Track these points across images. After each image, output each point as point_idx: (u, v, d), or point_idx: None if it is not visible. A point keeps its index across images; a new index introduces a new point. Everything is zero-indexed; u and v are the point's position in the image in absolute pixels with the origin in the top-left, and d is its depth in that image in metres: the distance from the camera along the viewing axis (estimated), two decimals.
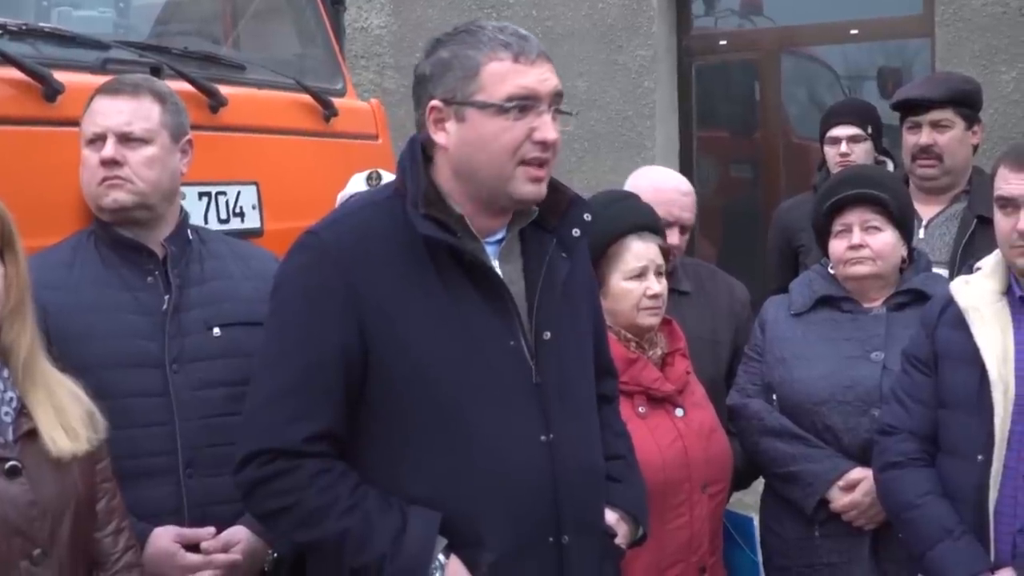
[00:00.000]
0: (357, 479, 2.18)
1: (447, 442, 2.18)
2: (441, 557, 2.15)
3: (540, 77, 2.18)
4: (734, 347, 3.49)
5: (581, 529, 2.28)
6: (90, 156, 2.70)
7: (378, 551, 2.12)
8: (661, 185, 3.50)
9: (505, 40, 2.18)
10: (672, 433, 2.96)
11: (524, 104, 2.17)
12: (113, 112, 2.70)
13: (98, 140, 2.69)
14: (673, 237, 3.36)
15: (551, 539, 2.24)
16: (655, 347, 3.03)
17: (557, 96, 2.21)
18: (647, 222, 3.04)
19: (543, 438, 2.23)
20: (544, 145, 2.19)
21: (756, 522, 3.31)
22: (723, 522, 3.15)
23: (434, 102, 2.19)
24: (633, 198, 3.14)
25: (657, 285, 2.97)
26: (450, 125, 2.19)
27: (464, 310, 2.20)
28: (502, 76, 2.16)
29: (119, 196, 2.67)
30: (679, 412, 3.00)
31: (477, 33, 2.19)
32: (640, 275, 2.96)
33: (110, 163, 2.67)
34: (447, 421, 2.18)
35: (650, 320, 2.99)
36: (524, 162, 2.19)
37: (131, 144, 2.69)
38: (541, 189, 2.23)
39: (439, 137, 2.20)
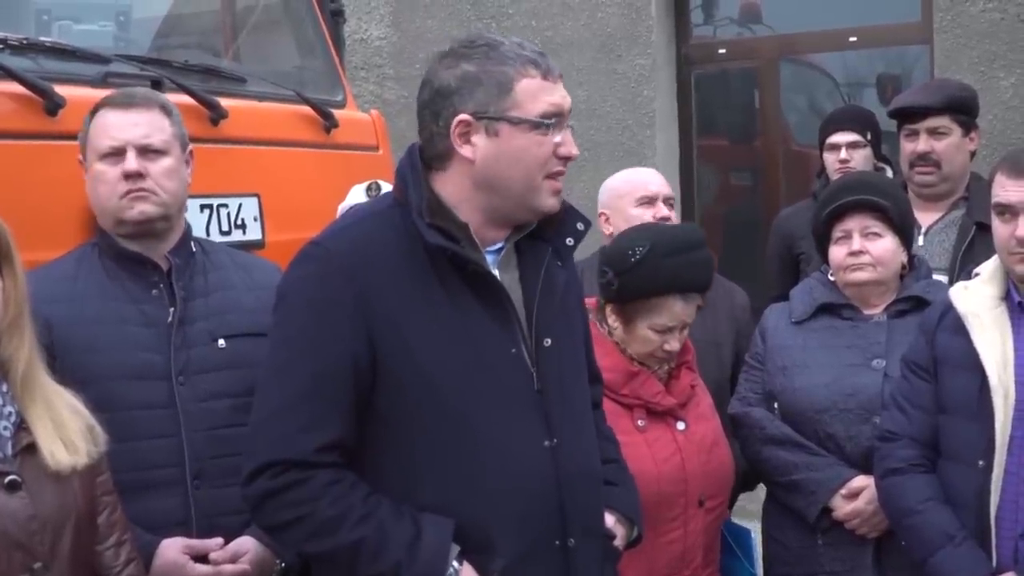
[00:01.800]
0: (368, 488, 2.19)
1: (454, 449, 2.19)
2: (455, 563, 2.16)
3: (562, 94, 2.25)
4: (735, 351, 3.51)
5: (586, 532, 2.31)
6: (108, 170, 2.69)
7: (393, 559, 2.13)
8: (631, 177, 3.71)
9: (531, 57, 2.22)
10: (671, 447, 2.95)
11: (555, 121, 2.22)
12: (129, 125, 2.70)
13: (114, 154, 2.69)
14: (662, 210, 3.55)
15: (558, 542, 2.26)
16: (663, 364, 3.03)
17: (570, 112, 2.28)
18: (698, 282, 2.97)
19: (547, 443, 2.26)
20: (566, 160, 2.25)
21: (755, 533, 3.30)
22: (722, 532, 3.15)
23: (463, 115, 2.20)
24: (698, 251, 2.99)
25: (676, 343, 2.97)
26: (478, 139, 2.21)
27: (466, 318, 2.22)
28: (534, 93, 2.21)
29: (145, 208, 2.67)
30: (680, 426, 3.00)
31: (499, 48, 2.22)
32: (667, 331, 2.96)
33: (134, 176, 2.66)
34: (453, 428, 2.19)
35: (656, 365, 3.01)
36: (548, 176, 2.24)
37: (150, 156, 2.69)
38: (559, 201, 2.30)
39: (465, 150, 2.22)
